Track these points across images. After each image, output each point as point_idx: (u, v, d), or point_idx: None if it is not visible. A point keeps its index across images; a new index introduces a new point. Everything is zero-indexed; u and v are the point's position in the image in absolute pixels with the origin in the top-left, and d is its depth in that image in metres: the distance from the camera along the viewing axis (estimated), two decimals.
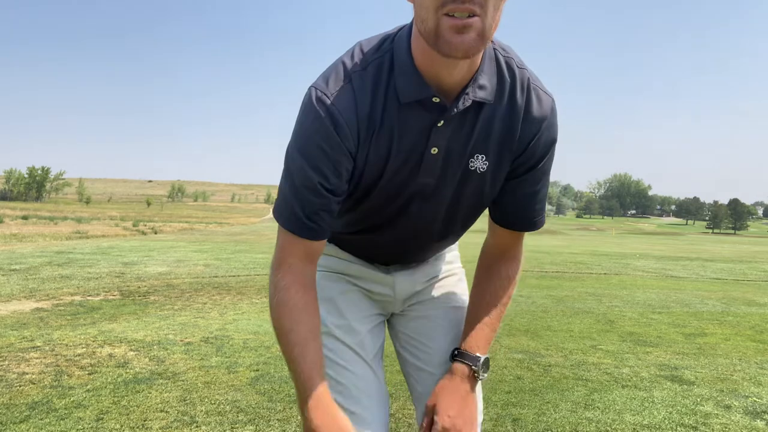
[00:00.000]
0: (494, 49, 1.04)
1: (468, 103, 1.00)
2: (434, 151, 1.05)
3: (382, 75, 1.01)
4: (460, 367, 1.18)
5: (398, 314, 1.38)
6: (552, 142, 1.10)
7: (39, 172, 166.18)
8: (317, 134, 0.99)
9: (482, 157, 1.08)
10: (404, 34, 1.02)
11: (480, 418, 1.25)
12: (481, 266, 1.26)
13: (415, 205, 1.13)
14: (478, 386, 1.25)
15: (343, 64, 1.02)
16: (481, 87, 1.01)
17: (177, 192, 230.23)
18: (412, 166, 1.06)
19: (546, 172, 1.14)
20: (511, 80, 1.04)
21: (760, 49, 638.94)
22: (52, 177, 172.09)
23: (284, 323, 1.05)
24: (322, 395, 1.03)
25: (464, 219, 1.21)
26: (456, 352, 1.21)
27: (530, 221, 1.17)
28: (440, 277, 1.38)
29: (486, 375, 1.20)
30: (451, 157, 1.06)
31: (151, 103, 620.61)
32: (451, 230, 1.23)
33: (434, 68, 0.97)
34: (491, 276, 1.23)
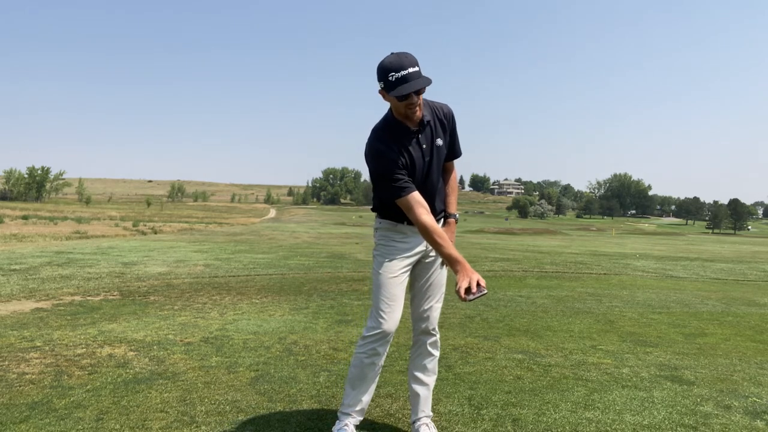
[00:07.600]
0: (426, 100, 2.57)
1: (425, 123, 2.55)
2: (424, 146, 2.58)
3: (388, 124, 2.55)
4: (451, 220, 2.76)
5: (422, 261, 2.73)
6: (452, 115, 2.67)
7: (39, 172, 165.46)
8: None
9: (439, 139, 2.62)
10: (389, 112, 2.55)
11: None
12: (444, 178, 2.77)
13: (427, 167, 2.59)
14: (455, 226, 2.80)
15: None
16: (425, 116, 2.55)
17: (177, 192, 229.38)
18: (419, 149, 2.56)
19: (455, 132, 2.72)
20: (433, 108, 2.62)
21: (761, 49, 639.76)
22: (52, 177, 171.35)
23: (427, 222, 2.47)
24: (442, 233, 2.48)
25: (442, 168, 2.71)
26: (446, 213, 2.76)
27: (457, 154, 2.76)
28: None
29: (457, 220, 2.78)
30: (429, 143, 2.59)
31: (151, 102, 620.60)
32: (440, 177, 2.70)
33: (404, 120, 2.53)
34: (447, 178, 2.80)
